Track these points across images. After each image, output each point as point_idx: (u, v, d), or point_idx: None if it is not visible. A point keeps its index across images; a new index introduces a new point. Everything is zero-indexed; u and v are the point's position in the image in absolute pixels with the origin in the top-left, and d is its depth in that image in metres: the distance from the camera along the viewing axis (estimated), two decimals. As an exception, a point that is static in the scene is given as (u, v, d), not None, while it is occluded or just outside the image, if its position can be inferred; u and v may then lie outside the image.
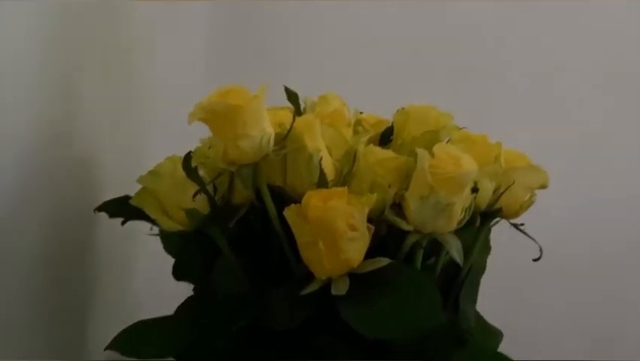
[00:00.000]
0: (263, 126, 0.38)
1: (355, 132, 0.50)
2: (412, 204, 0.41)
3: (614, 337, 0.90)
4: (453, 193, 0.40)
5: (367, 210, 0.40)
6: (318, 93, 0.54)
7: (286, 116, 0.44)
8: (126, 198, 0.45)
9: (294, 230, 0.40)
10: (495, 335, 0.55)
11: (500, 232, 0.51)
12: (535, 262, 0.48)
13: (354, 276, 0.40)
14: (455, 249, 0.41)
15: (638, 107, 0.92)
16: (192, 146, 0.45)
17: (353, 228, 0.39)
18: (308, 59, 0.91)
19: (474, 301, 0.53)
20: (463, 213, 0.41)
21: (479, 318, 0.55)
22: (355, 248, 0.39)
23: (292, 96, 0.55)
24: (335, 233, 0.39)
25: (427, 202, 0.40)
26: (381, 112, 0.53)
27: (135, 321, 0.48)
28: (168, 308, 0.48)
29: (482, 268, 0.54)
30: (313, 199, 0.39)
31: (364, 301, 0.39)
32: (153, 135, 0.65)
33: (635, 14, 0.90)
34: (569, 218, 0.87)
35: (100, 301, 0.56)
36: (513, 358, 0.46)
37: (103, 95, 0.56)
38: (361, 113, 0.55)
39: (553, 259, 0.49)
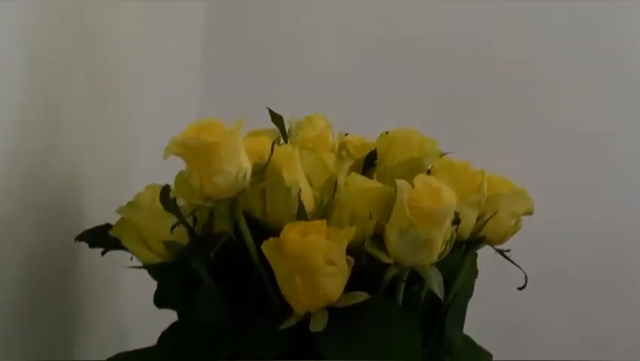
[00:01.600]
0: (240, 161, 0.38)
1: (339, 157, 0.49)
2: (391, 237, 0.40)
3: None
4: (433, 228, 0.39)
5: (345, 244, 0.39)
6: (311, 101, 0.53)
7: (266, 144, 0.43)
8: (107, 227, 0.45)
9: (272, 264, 0.40)
10: (484, 357, 0.55)
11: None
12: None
13: (333, 310, 0.40)
14: (435, 282, 0.40)
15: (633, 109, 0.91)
16: (182, 164, 0.44)
17: (331, 262, 0.39)
18: (300, 68, 0.91)
19: (461, 325, 0.53)
20: (444, 246, 0.41)
21: (467, 341, 0.55)
22: (333, 283, 0.39)
23: (277, 119, 0.55)
24: (313, 268, 0.38)
25: (406, 236, 0.39)
26: (369, 132, 0.53)
27: (122, 350, 0.48)
28: (155, 333, 0.48)
29: (469, 292, 0.53)
30: (290, 233, 0.39)
31: (342, 337, 0.39)
32: (142, 153, 0.65)
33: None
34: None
35: (84, 327, 0.55)
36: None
37: (88, 111, 0.55)
38: (345, 134, 0.54)
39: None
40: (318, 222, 0.40)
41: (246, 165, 0.38)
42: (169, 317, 0.48)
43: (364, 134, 0.53)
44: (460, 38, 0.89)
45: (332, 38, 0.89)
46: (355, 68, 0.88)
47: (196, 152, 0.37)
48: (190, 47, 0.81)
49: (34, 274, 0.48)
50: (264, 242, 0.39)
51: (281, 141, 0.56)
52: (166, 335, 0.49)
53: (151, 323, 0.48)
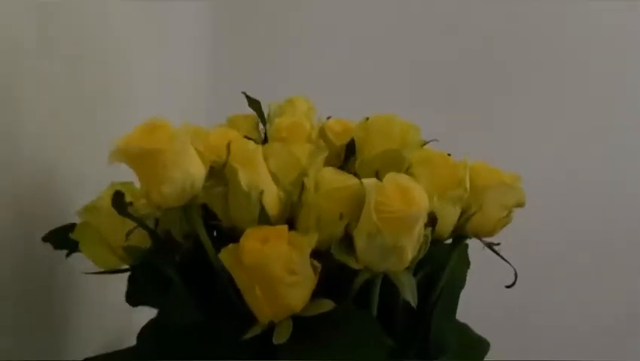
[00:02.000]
0: (187, 168, 0.35)
1: (317, 146, 0.46)
2: (359, 242, 0.37)
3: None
4: (402, 234, 0.36)
5: (308, 251, 0.37)
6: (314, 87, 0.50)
7: (235, 138, 0.40)
8: (72, 227, 0.43)
9: (232, 273, 0.37)
10: (481, 345, 0.53)
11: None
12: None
13: (299, 319, 0.38)
14: (408, 290, 0.38)
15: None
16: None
17: (292, 272, 0.36)
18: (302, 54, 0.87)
19: (453, 315, 0.51)
20: (416, 252, 0.38)
21: (463, 330, 0.52)
22: (295, 293, 0.37)
23: (254, 103, 0.51)
24: (272, 278, 0.36)
25: (374, 242, 0.36)
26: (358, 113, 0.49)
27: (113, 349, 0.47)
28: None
29: (461, 283, 0.51)
30: (249, 240, 0.36)
31: (307, 348, 0.37)
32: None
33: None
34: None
35: (75, 326, 0.54)
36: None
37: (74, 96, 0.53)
38: (328, 117, 0.51)
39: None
40: (279, 227, 0.37)
41: (195, 170, 0.35)
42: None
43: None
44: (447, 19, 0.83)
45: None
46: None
47: (140, 159, 0.34)
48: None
49: (16, 274, 0.47)
50: (222, 250, 0.37)
51: (260, 126, 0.53)
52: (146, 332, 0.48)
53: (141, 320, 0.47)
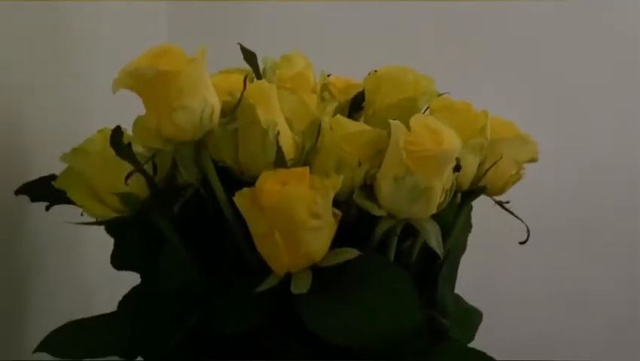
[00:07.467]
0: (205, 96, 0.31)
1: (322, 99, 0.43)
2: (384, 187, 0.35)
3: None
4: (433, 174, 0.34)
5: (332, 195, 0.34)
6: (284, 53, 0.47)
7: (238, 82, 0.37)
8: (52, 178, 0.39)
9: (247, 219, 0.34)
10: (474, 315, 0.51)
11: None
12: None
13: (317, 270, 0.35)
14: (434, 237, 0.36)
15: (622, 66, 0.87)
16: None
17: (316, 216, 0.33)
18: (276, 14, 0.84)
19: (453, 282, 0.49)
20: (443, 196, 0.36)
21: (457, 299, 0.51)
22: (317, 239, 0.34)
23: (249, 56, 0.48)
24: (294, 222, 0.33)
25: (402, 185, 0.34)
26: (355, 74, 0.47)
27: (86, 315, 0.42)
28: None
29: (462, 248, 0.49)
30: (268, 183, 0.33)
31: (328, 300, 0.34)
32: (99, 91, 0.57)
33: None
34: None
35: (42, 293, 0.49)
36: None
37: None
38: (328, 75, 0.48)
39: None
40: (300, 169, 0.34)
41: (213, 100, 0.32)
42: (137, 277, 0.43)
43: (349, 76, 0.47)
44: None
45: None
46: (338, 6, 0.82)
47: (151, 84, 0.30)
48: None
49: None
50: (237, 193, 0.34)
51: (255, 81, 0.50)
52: (127, 301, 0.43)
53: (119, 284, 0.42)
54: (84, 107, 0.55)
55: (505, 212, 0.43)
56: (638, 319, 0.88)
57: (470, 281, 0.49)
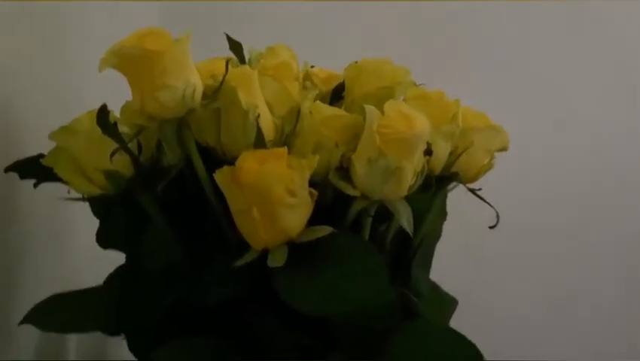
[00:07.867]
0: (188, 77, 0.33)
1: (304, 87, 0.45)
2: (359, 168, 0.37)
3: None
4: (403, 156, 0.36)
5: (308, 174, 0.36)
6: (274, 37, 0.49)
7: (221, 66, 0.39)
8: (40, 157, 0.40)
9: (227, 195, 0.36)
10: (449, 302, 0.53)
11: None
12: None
13: (293, 246, 0.36)
14: (405, 217, 0.37)
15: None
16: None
17: (292, 194, 0.35)
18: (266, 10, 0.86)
19: (428, 268, 0.51)
20: (414, 178, 0.37)
21: (432, 286, 0.53)
22: (294, 216, 0.35)
23: (235, 45, 0.50)
24: (271, 199, 0.35)
25: (375, 166, 0.36)
26: (338, 66, 0.49)
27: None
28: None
29: (437, 235, 0.51)
30: (248, 161, 0.35)
31: (303, 274, 0.35)
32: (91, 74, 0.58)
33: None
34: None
35: (29, 270, 0.50)
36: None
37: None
38: (312, 66, 0.50)
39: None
40: (278, 149, 0.36)
41: (196, 80, 0.34)
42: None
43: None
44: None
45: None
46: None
47: (136, 63, 0.32)
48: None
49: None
50: (218, 171, 0.35)
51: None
52: (113, 278, 0.44)
53: (108, 262, 0.43)
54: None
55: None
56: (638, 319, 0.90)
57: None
